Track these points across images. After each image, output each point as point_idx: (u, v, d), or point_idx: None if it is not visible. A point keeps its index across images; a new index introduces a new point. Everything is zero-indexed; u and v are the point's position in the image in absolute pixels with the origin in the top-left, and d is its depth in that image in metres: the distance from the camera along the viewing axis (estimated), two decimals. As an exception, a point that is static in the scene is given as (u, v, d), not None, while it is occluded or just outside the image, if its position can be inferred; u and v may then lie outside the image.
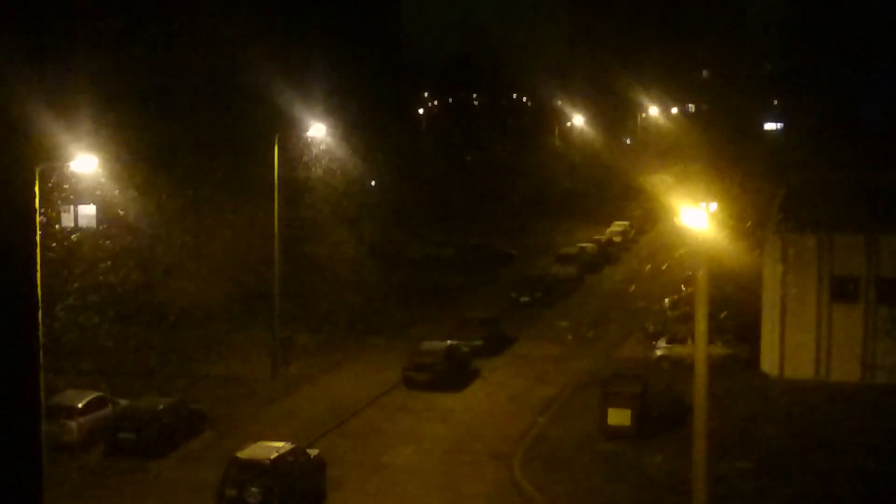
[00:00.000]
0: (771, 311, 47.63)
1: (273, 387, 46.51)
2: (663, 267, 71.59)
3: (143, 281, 53.65)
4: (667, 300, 61.13)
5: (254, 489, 32.29)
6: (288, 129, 58.68)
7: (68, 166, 41.00)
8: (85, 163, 39.98)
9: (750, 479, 34.67)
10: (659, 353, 50.01)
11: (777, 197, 54.64)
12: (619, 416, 38.79)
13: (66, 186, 47.83)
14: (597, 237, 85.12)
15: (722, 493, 31.91)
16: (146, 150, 57.91)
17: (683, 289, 61.74)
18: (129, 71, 64.15)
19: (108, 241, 50.61)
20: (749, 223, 55.95)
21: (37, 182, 4.25)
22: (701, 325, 28.09)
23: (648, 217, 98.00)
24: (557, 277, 69.62)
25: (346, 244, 65.15)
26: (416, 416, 42.93)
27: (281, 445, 34.06)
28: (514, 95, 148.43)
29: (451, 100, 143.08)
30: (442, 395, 45.55)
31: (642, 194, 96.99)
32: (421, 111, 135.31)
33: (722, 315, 45.87)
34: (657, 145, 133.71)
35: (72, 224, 52.76)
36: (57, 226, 48.01)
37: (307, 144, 65.09)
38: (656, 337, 52.33)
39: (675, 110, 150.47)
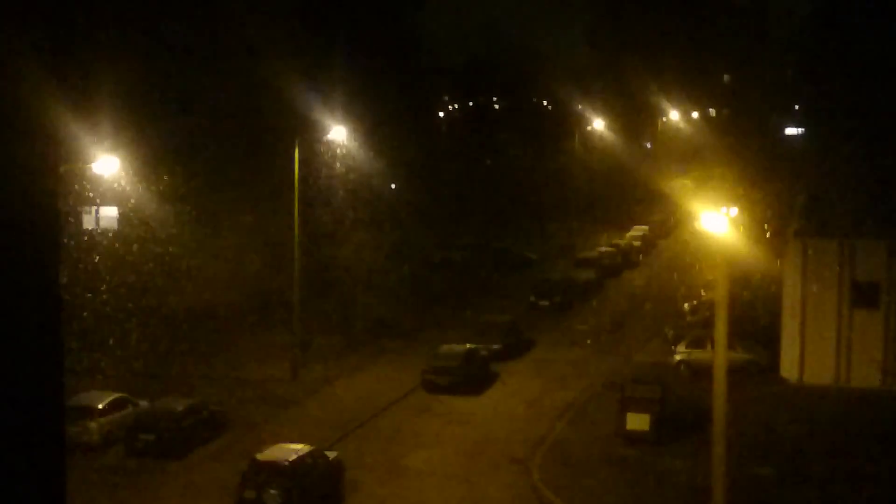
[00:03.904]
0: (791, 316, 47.44)
1: (292, 389, 46.60)
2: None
3: (164, 282, 53.81)
4: (686, 305, 60.97)
5: (272, 491, 32.35)
6: (308, 132, 58.75)
7: (90, 167, 41.17)
8: (107, 164, 40.16)
9: (770, 485, 34.53)
10: (678, 357, 49.89)
11: (798, 201, 54.43)
12: (637, 421, 38.71)
13: (89, 187, 48.01)
14: (616, 241, 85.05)
15: (741, 499, 31.78)
16: (168, 152, 58.08)
17: (703, 293, 61.60)
18: (152, 72, 64.35)
19: (130, 243, 50.76)
20: (769, 228, 55.74)
21: (60, 183, 4.26)
22: (720, 330, 28.00)
23: (668, 221, 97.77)
24: (577, 281, 69.56)
25: (365, 247, 65.16)
26: (435, 420, 42.93)
27: (300, 447, 34.13)
28: (535, 99, 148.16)
29: (471, 103, 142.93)
30: (461, 399, 45.55)
31: (662, 199, 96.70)
32: (441, 115, 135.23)
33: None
34: (677, 150, 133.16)
35: (93, 225, 52.94)
36: (80, 227, 48.15)
37: (327, 147, 65.15)
38: (676, 341, 52.20)
39: (695, 115, 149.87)
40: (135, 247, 50.94)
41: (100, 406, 38.84)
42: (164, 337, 50.97)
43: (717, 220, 28.37)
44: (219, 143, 65.52)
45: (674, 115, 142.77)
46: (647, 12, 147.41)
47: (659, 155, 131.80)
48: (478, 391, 46.84)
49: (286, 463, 32.90)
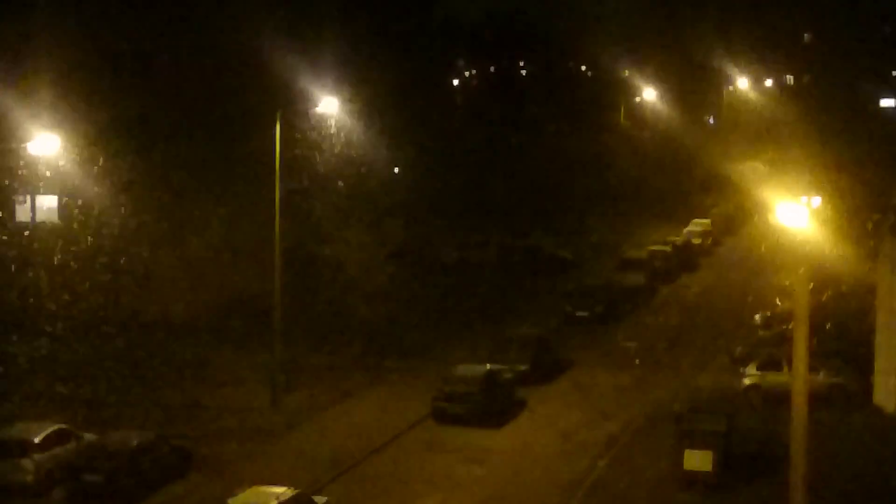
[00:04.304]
0: (887, 331, 47.30)
1: (273, 419, 46.61)
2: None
3: (116, 288, 53.84)
4: (758, 317, 60.87)
5: (248, 545, 32.37)
6: (293, 104, 58.75)
7: (25, 148, 41.19)
8: (45, 144, 40.17)
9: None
10: (748, 381, 49.82)
11: (896, 190, 54.32)
12: (697, 460, 38.61)
13: (23, 172, 48.06)
14: (672, 238, 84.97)
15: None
16: (121, 129, 58.11)
17: (778, 303, 61.46)
18: (101, 32, 64.44)
19: (73, 239, 50.80)
20: (860, 221, 55.60)
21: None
22: (800, 348, 27.91)
23: (736, 214, 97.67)
24: (623, 287, 69.52)
25: (363, 245, 65.21)
26: (448, 457, 42.91)
27: (281, 491, 34.10)
28: (572, 64, 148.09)
29: (493, 68, 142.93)
30: (479, 432, 45.52)
31: (728, 186, 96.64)
32: (456, 82, 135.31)
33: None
34: (747, 126, 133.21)
35: (29, 218, 53.02)
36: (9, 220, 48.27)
37: (316, 123, 65.19)
38: (744, 362, 52.12)
39: (769, 82, 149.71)
40: (80, 244, 50.97)
41: (36, 440, 38.83)
42: (115, 355, 51.02)
43: (795, 213, 28.27)
44: (183, 118, 65.56)
45: (742, 84, 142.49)
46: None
47: (724, 132, 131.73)
48: (500, 422, 46.80)
49: (264, 510, 32.89)
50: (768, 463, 38.70)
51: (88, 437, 40.61)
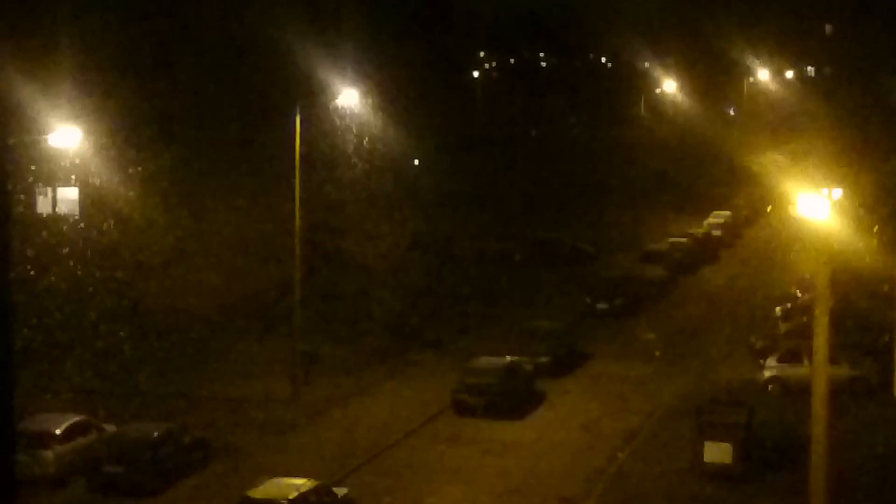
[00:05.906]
0: (908, 324, 47.27)
1: (293, 411, 46.72)
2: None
3: (136, 280, 54.00)
4: (778, 309, 60.78)
5: (268, 536, 32.49)
6: (312, 97, 58.82)
7: (46, 140, 41.33)
8: (66, 136, 40.30)
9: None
10: (768, 374, 49.77)
11: (917, 181, 54.20)
12: (717, 452, 38.63)
13: (34, 167, 48.18)
14: (692, 231, 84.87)
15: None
16: (141, 122, 58.21)
17: (799, 295, 61.37)
18: (121, 25, 64.56)
19: (94, 231, 50.97)
20: (881, 213, 55.47)
21: (7, 159, 4.30)
22: (820, 340, 27.91)
23: (756, 206, 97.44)
24: (643, 280, 69.46)
25: (383, 237, 65.25)
26: (468, 449, 42.97)
27: (302, 483, 34.23)
28: (592, 55, 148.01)
29: (513, 60, 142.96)
30: (500, 424, 45.56)
31: (749, 178, 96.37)
32: (476, 74, 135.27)
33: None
34: (768, 117, 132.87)
35: (50, 210, 53.21)
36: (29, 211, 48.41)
37: (336, 115, 65.25)
38: (765, 354, 52.07)
39: (790, 74, 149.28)
40: (100, 236, 51.13)
41: (57, 431, 39.02)
42: (135, 346, 51.15)
43: (816, 205, 28.26)
44: (204, 110, 65.69)
45: (763, 75, 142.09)
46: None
47: (745, 124, 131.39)
48: (520, 414, 46.86)
49: (285, 501, 33.00)
50: (789, 455, 38.69)
51: (109, 428, 40.78)
